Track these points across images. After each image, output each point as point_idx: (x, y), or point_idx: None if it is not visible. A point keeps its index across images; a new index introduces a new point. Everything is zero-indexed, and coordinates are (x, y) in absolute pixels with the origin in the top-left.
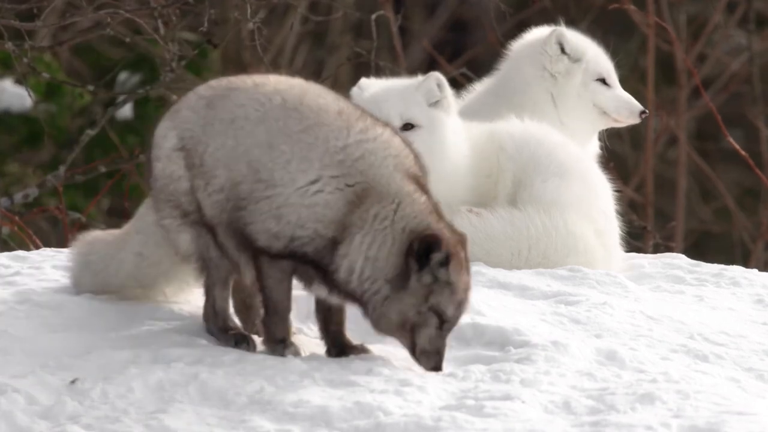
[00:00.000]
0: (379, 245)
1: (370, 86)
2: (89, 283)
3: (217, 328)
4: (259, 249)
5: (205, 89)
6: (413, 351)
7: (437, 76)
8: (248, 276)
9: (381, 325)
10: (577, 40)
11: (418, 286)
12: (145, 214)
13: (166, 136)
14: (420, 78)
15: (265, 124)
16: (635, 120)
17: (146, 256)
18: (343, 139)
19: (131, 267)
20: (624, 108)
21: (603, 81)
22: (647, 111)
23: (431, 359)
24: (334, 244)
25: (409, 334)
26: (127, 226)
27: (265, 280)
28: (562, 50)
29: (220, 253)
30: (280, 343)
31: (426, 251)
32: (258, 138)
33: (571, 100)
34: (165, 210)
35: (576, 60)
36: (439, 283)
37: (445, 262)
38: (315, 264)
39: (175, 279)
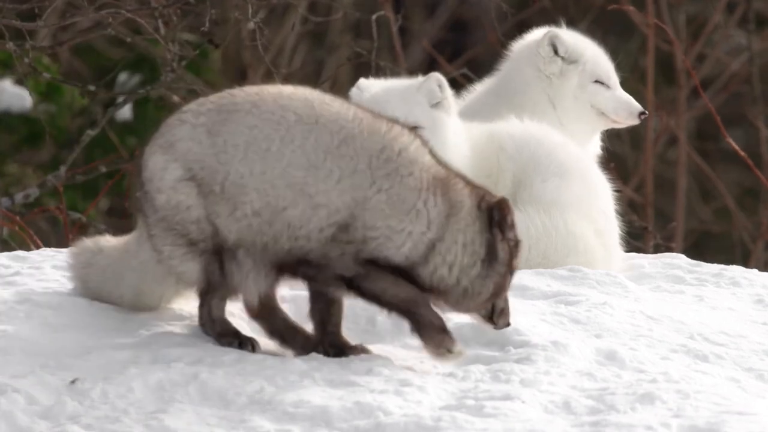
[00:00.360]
0: (465, 230)
1: (369, 87)
2: (93, 299)
3: (216, 333)
4: (338, 273)
5: (194, 117)
6: (491, 316)
7: (438, 77)
8: (253, 296)
9: (472, 305)
10: (574, 41)
11: (503, 253)
12: (137, 252)
13: (165, 168)
14: (421, 79)
15: (294, 143)
16: (634, 121)
17: (145, 292)
18: (378, 141)
19: (131, 300)
20: (622, 109)
21: (602, 82)
22: (646, 112)
23: (506, 315)
24: (433, 245)
25: (491, 302)
26: (120, 257)
27: (381, 294)
28: (556, 52)
29: (223, 278)
30: (443, 332)
31: (504, 217)
32: (294, 159)
33: (567, 101)
34: (167, 238)
35: (571, 62)
36: (514, 243)
37: (513, 223)
38: (397, 269)
39: (177, 299)
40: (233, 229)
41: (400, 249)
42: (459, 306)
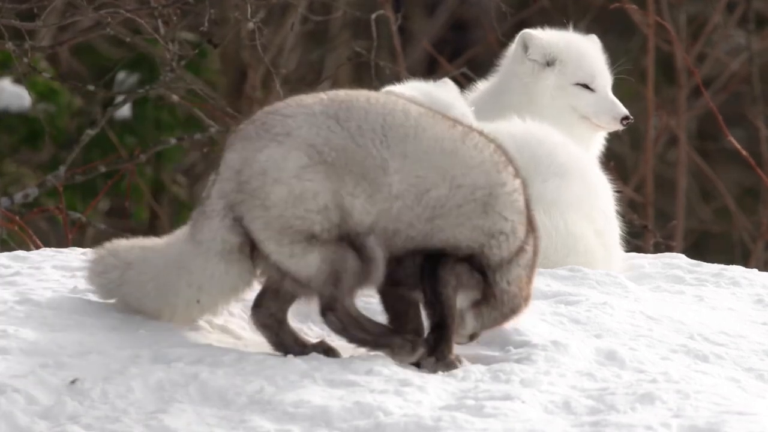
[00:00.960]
0: (533, 253)
1: (399, 93)
2: (122, 305)
3: (362, 332)
4: (447, 254)
5: (306, 109)
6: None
7: (450, 81)
8: (376, 280)
9: (501, 323)
10: (552, 42)
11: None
12: (203, 268)
13: (286, 158)
14: (434, 83)
15: (426, 132)
16: (617, 126)
17: (204, 305)
18: (490, 140)
19: (184, 311)
20: (604, 113)
21: (584, 85)
22: (631, 117)
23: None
24: (521, 250)
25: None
26: (171, 270)
27: (443, 288)
28: (526, 53)
29: (359, 261)
30: (451, 361)
31: None
32: (431, 145)
33: (543, 101)
34: (284, 238)
35: (547, 63)
36: None
37: None
38: (481, 271)
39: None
40: (373, 211)
41: (505, 251)
42: (495, 321)
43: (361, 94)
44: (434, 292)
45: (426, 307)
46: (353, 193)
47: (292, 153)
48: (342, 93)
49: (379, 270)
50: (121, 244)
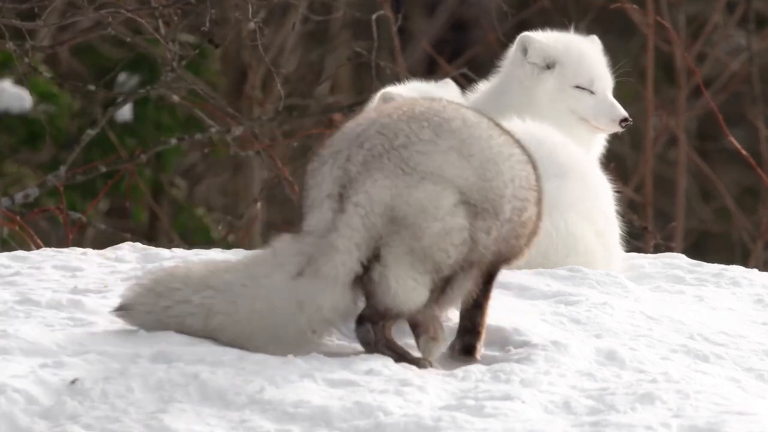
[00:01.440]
0: None
1: (402, 93)
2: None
3: (389, 351)
4: (495, 270)
5: (431, 142)
6: None
7: (451, 82)
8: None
9: None
10: (551, 45)
11: None
12: (335, 301)
13: (440, 196)
14: (440, 83)
15: (513, 147)
16: (616, 128)
17: (318, 332)
18: None
19: (295, 342)
20: (602, 116)
21: (583, 87)
22: (630, 119)
23: None
24: None
25: None
26: (287, 309)
27: (487, 300)
28: (526, 56)
29: (433, 302)
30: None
31: None
32: (521, 159)
33: (542, 104)
34: (418, 268)
35: (546, 67)
36: None
37: None
38: None
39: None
40: (490, 244)
41: None
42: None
43: (456, 116)
44: (482, 305)
45: (467, 316)
46: (483, 227)
47: (445, 192)
48: (436, 117)
49: (454, 295)
50: (176, 285)
